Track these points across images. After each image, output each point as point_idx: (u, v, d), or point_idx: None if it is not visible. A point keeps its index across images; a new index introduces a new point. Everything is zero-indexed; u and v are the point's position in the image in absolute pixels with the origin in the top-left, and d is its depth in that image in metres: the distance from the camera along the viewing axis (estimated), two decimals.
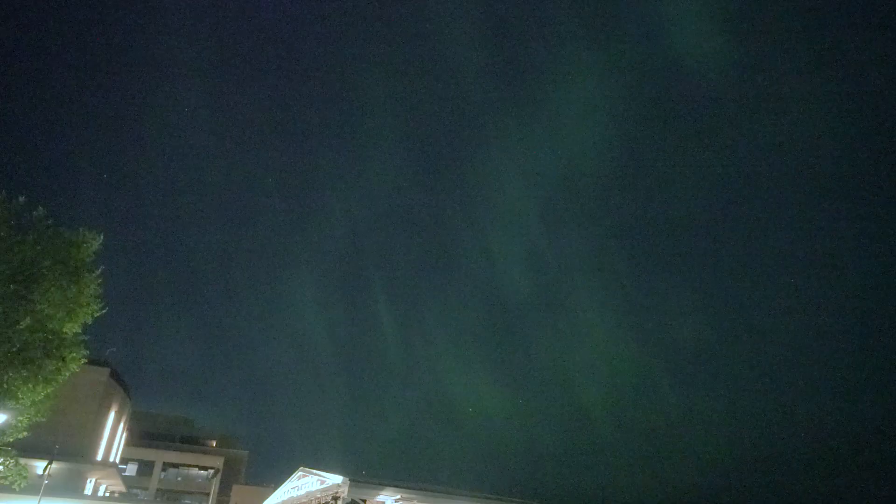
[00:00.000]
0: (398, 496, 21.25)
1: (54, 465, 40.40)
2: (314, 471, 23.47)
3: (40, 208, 18.93)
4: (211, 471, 69.08)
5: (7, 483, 22.50)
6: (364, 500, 20.44)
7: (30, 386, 18.36)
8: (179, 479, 68.92)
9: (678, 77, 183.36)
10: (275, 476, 51.66)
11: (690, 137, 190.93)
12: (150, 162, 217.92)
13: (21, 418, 19.77)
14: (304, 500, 23.72)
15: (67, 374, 19.56)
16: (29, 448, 26.23)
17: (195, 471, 70.35)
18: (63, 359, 18.89)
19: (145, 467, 67.75)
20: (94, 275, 19.39)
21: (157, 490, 65.40)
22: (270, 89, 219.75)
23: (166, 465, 68.90)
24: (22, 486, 22.95)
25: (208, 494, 59.03)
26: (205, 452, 73.97)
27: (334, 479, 21.11)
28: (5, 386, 18.02)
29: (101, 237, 19.72)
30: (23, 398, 18.58)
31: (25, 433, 20.34)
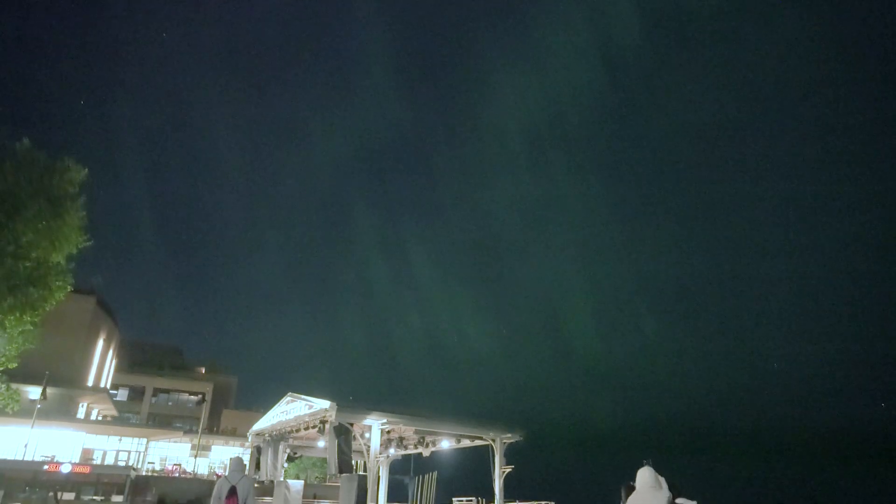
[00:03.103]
0: (384, 420, 21.94)
1: (47, 391, 41.20)
2: (302, 396, 24.09)
3: (25, 139, 18.51)
4: (200, 396, 70.82)
5: (0, 407, 23.02)
6: (351, 424, 21.10)
7: (17, 315, 18.49)
8: (170, 403, 70.60)
9: (671, 16, 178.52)
10: (263, 402, 53.04)
11: (681, 77, 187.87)
12: (129, 92, 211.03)
13: (9, 347, 19.99)
14: (292, 424, 24.45)
15: (54, 303, 19.65)
16: (19, 375, 26.66)
17: (185, 396, 72.01)
18: (49, 287, 18.94)
19: (136, 393, 69.22)
20: (77, 205, 19.19)
21: (149, 414, 67.06)
22: (253, 16, 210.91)
23: (156, 391, 70.40)
24: (15, 409, 23.50)
25: (198, 419, 60.67)
26: (194, 379, 75.54)
27: (322, 403, 21.69)
28: None
29: (86, 169, 19.40)
30: (10, 327, 18.74)
31: (16, 363, 20.61)
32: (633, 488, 7.25)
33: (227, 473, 10.04)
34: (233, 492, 9.74)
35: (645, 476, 7.11)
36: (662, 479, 7.15)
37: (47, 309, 19.53)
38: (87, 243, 19.80)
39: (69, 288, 20.03)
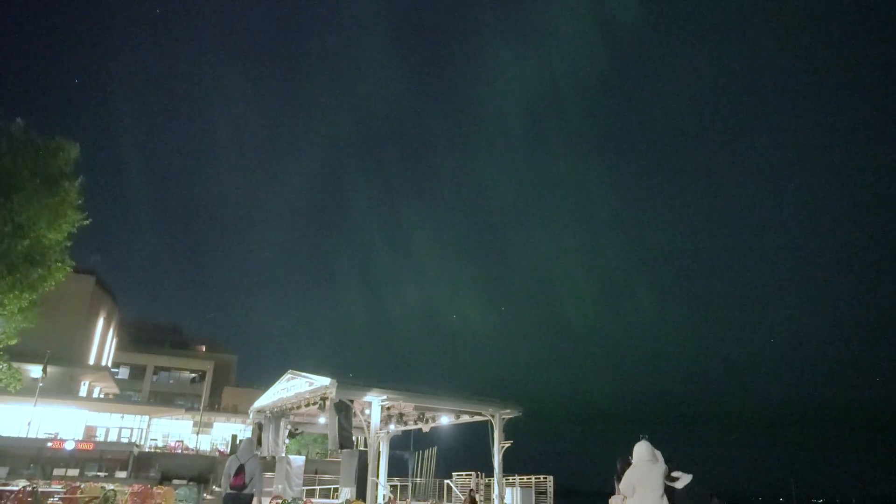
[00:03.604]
0: (384, 397, 22.10)
1: (49, 369, 41.43)
2: (303, 373, 24.23)
3: (18, 119, 18.38)
4: (201, 374, 71.29)
5: (2, 386, 23.14)
6: (351, 401, 21.26)
7: (15, 293, 18.51)
8: (171, 381, 71.07)
9: None
10: (264, 380, 53.39)
11: (678, 48, 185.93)
12: (124, 70, 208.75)
13: (9, 325, 20.04)
14: (293, 401, 24.63)
15: (54, 284, 19.66)
16: (20, 354, 26.78)
17: (186, 374, 72.47)
18: (48, 267, 18.93)
19: (137, 371, 69.64)
20: (73, 184, 19.10)
21: (150, 392, 67.55)
22: None
23: (157, 369, 70.81)
24: (17, 388, 23.62)
25: (200, 396, 61.14)
26: (194, 357, 75.93)
27: (322, 380, 21.83)
28: None
29: (78, 146, 19.30)
30: (9, 304, 18.76)
31: (15, 340, 20.68)
32: (629, 463, 7.34)
33: (237, 453, 10.82)
34: (241, 470, 10.48)
35: (642, 450, 7.19)
36: (659, 453, 7.24)
37: (47, 289, 19.53)
38: (85, 222, 19.73)
39: (69, 270, 20.01)
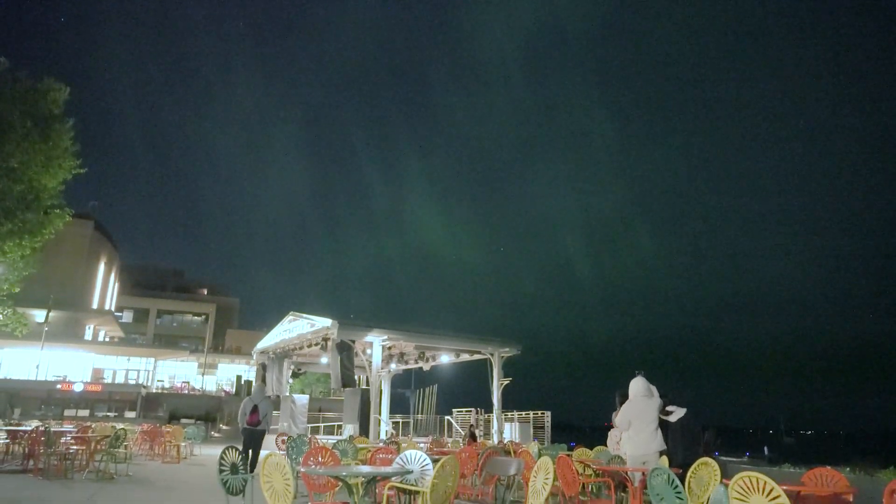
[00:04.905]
0: (385, 337, 22.44)
1: (53, 314, 41.90)
2: (304, 315, 24.51)
3: (2, 58, 17.84)
4: (204, 316, 72.15)
5: (9, 331, 23.45)
6: (353, 341, 21.60)
7: (15, 240, 18.50)
8: (175, 325, 71.96)
9: None
10: (266, 322, 54.10)
11: None
12: (112, 7, 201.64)
13: (11, 272, 20.13)
14: (295, 342, 25.02)
15: (52, 231, 19.60)
16: (24, 300, 26.99)
17: (189, 317, 73.29)
18: (45, 212, 18.83)
19: (140, 315, 70.39)
20: (65, 127, 18.77)
21: (154, 335, 68.53)
22: None
23: (161, 313, 71.58)
24: (23, 332, 23.94)
25: (203, 339, 62.10)
26: (197, 300, 76.61)
27: (323, 321, 22.10)
28: None
29: (68, 88, 18.84)
30: (10, 252, 18.78)
31: (18, 288, 20.81)
32: (626, 397, 7.54)
33: (252, 396, 12.88)
34: (255, 409, 12.48)
35: (638, 385, 7.37)
36: (654, 388, 7.42)
37: (46, 236, 19.50)
38: (81, 170, 19.51)
39: (68, 217, 19.91)
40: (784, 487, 3.89)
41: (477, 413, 29.88)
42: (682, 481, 5.16)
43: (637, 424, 7.13)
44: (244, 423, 12.37)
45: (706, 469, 5.71)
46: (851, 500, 5.01)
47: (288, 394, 28.53)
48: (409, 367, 29.70)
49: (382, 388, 27.66)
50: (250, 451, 12.14)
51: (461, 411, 31.30)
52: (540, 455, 9.26)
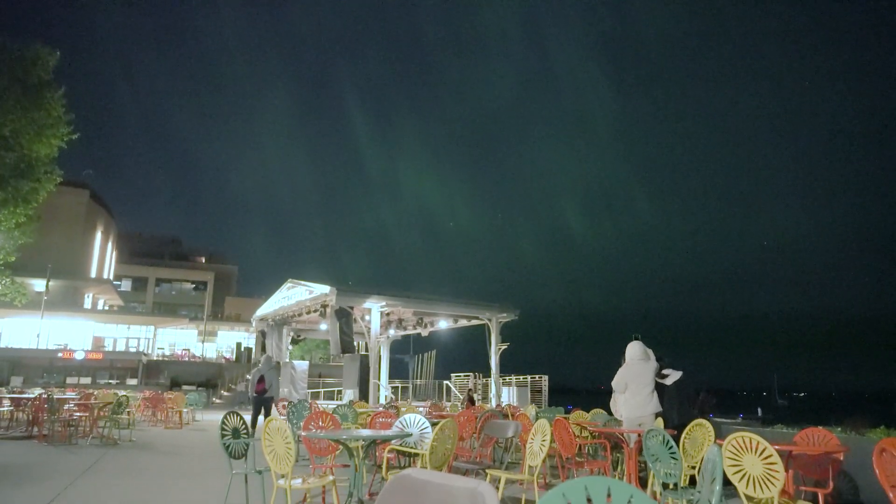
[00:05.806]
0: (383, 303, 22.55)
1: (52, 283, 41.99)
2: (302, 282, 24.57)
3: None
4: (202, 284, 72.29)
5: (8, 300, 23.53)
6: (351, 308, 21.70)
7: (10, 208, 18.43)
8: (173, 293, 72.14)
9: None
10: (264, 289, 54.23)
11: None
12: None
13: (7, 242, 20.09)
14: (294, 309, 25.14)
15: (45, 195, 19.49)
16: (22, 269, 27.01)
17: (188, 285, 73.42)
18: (38, 179, 18.71)
19: (139, 283, 70.52)
20: (57, 94, 18.50)
21: (153, 303, 68.76)
22: None
23: (159, 281, 71.69)
24: (23, 302, 24.03)
25: (202, 306, 62.32)
26: (195, 268, 76.64)
27: (322, 288, 22.17)
28: None
29: (58, 53, 18.52)
30: (5, 221, 18.72)
31: (14, 257, 20.80)
32: (623, 361, 7.62)
33: (259, 366, 13.93)
34: (262, 379, 13.54)
35: (634, 349, 7.45)
36: (651, 352, 7.51)
37: (39, 201, 19.39)
38: (73, 136, 19.30)
39: (59, 179, 19.77)
40: (776, 447, 3.97)
41: (475, 377, 30.24)
42: (677, 442, 5.26)
43: (633, 387, 7.23)
44: (252, 392, 13.77)
45: (700, 430, 5.81)
46: (842, 458, 5.11)
47: (288, 360, 28.80)
48: (408, 332, 29.94)
49: (381, 353, 27.93)
50: (259, 416, 13.33)
51: (459, 376, 31.67)
52: (537, 418, 9.41)
